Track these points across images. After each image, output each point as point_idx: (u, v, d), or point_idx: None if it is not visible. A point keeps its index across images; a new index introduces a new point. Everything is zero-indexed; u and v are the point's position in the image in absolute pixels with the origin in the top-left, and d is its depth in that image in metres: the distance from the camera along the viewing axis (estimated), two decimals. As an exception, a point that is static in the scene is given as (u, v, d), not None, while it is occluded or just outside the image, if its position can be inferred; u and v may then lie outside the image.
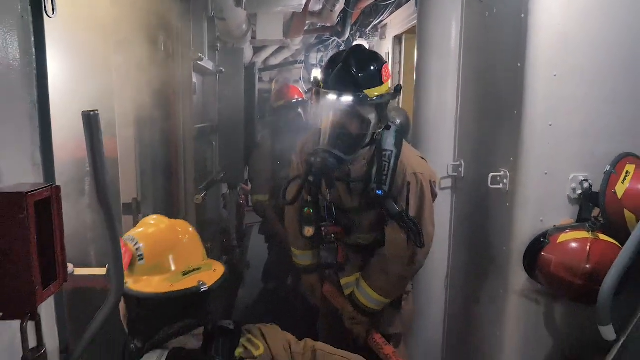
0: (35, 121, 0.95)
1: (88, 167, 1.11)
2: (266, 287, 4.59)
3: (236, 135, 4.09)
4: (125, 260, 1.25)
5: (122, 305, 1.30)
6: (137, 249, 1.28)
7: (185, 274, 1.29)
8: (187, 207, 2.40)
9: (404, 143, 2.15)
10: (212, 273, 1.33)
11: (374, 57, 2.05)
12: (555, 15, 1.77)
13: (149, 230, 1.36)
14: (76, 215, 1.60)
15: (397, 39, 3.85)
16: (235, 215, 4.96)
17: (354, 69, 1.93)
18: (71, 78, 1.41)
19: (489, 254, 2.16)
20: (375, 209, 2.13)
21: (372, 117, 2.00)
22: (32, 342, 0.79)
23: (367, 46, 4.49)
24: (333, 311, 2.43)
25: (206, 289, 1.26)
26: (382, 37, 4.10)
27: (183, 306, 1.28)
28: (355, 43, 3.94)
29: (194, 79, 2.58)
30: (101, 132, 0.90)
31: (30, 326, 0.78)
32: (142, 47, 1.88)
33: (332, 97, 1.94)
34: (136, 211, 2.02)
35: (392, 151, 2.05)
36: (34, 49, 0.94)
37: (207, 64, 2.86)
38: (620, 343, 1.58)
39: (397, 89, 2.06)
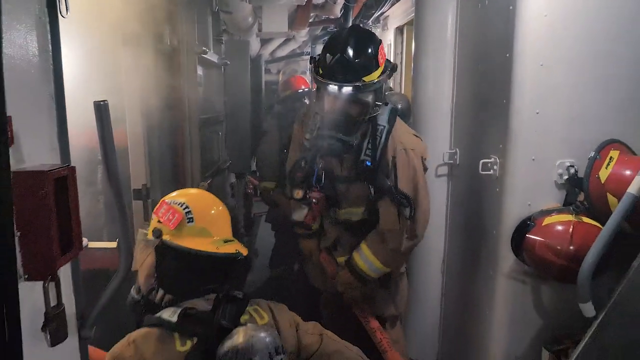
0: (52, 111, 1.06)
1: (99, 156, 1.23)
2: (273, 273, 4.72)
3: (243, 125, 4.21)
4: (174, 221, 1.42)
5: (149, 261, 1.46)
6: (186, 213, 1.44)
7: (225, 242, 1.48)
8: (193, 193, 2.52)
9: (399, 121, 2.24)
10: (241, 247, 1.50)
11: (370, 39, 2.09)
12: (541, 7, 1.84)
13: (196, 197, 1.53)
14: (90, 196, 1.72)
15: (399, 30, 3.92)
16: (242, 204, 5.10)
17: (352, 58, 1.99)
18: (83, 72, 1.52)
19: (480, 238, 2.26)
20: (363, 181, 2.22)
21: (370, 99, 2.09)
22: (53, 302, 0.91)
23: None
24: (334, 294, 2.55)
25: (242, 257, 1.46)
26: (385, 28, 4.17)
27: (217, 269, 1.48)
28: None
29: (199, 72, 2.69)
30: (110, 120, 1.01)
31: (51, 288, 0.90)
32: (149, 42, 1.99)
33: (332, 87, 2.03)
34: (145, 196, 2.15)
35: (384, 126, 2.16)
36: (50, 47, 1.05)
37: (212, 57, 2.96)
38: (599, 319, 1.67)
39: (394, 69, 2.14)
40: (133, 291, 1.59)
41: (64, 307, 0.95)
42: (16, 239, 0.87)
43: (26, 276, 0.88)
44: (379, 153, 2.14)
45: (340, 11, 4.29)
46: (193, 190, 1.60)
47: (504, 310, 2.10)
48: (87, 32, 1.50)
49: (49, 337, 0.91)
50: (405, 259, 2.37)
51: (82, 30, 1.39)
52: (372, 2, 4.09)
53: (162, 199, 1.53)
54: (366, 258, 2.28)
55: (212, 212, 1.52)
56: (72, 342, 1.15)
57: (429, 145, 2.54)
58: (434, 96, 2.65)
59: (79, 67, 1.49)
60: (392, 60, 2.26)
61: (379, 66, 2.05)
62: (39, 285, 0.91)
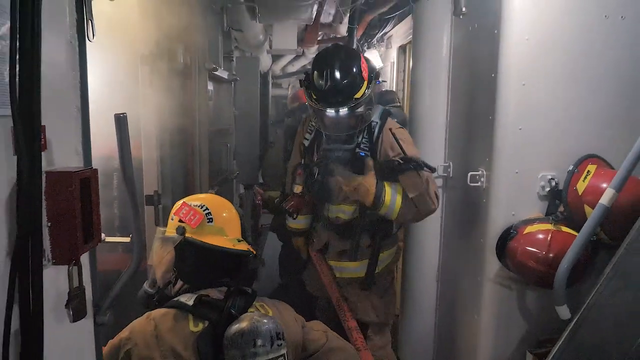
0: (78, 122, 1.23)
1: (115, 164, 1.40)
2: (283, 281, 4.82)
3: (252, 138, 4.39)
4: (195, 221, 1.61)
5: (168, 258, 1.63)
6: (206, 214, 1.63)
7: (239, 240, 1.66)
8: (201, 200, 2.70)
9: (391, 120, 2.44)
10: (250, 246, 1.69)
11: (352, 58, 2.28)
12: (523, 31, 2.00)
13: (213, 200, 1.72)
14: (105, 201, 1.90)
15: (402, 48, 4.09)
16: (250, 214, 5.26)
17: (340, 83, 2.19)
18: (105, 88, 1.71)
19: (470, 246, 2.38)
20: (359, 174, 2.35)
21: (363, 108, 2.30)
22: (75, 284, 1.07)
23: (376, 55, 4.75)
24: (330, 300, 2.69)
25: (253, 255, 1.66)
26: (388, 46, 4.35)
27: (231, 264, 1.66)
28: (353, 46, 4.22)
29: (210, 87, 2.88)
30: (128, 130, 1.18)
31: (74, 272, 1.06)
32: (164, 60, 2.18)
33: (329, 111, 2.24)
34: (157, 202, 2.32)
35: (377, 122, 2.37)
36: (78, 67, 1.23)
37: (222, 73, 3.16)
38: (574, 321, 1.79)
39: (377, 76, 2.35)
40: (146, 285, 1.74)
41: (85, 289, 1.11)
42: (47, 229, 1.03)
43: (54, 261, 1.04)
44: (375, 139, 2.34)
45: (347, 31, 4.50)
46: (208, 195, 1.78)
47: (490, 315, 2.22)
48: (109, 53, 1.69)
49: (71, 313, 1.06)
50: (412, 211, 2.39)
51: (105, 51, 1.58)
52: (376, 22, 4.28)
53: (182, 201, 1.70)
54: (395, 196, 2.32)
55: (227, 214, 1.70)
56: (88, 326, 1.30)
57: (425, 158, 2.68)
58: (430, 111, 2.80)
59: (102, 83, 1.67)
60: (394, 77, 2.47)
61: (364, 80, 2.25)
62: (63, 269, 1.07)
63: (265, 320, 1.41)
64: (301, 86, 2.39)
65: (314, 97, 2.27)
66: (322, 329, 1.73)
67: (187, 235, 1.60)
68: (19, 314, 0.92)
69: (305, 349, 1.65)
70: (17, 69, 0.88)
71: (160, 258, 1.65)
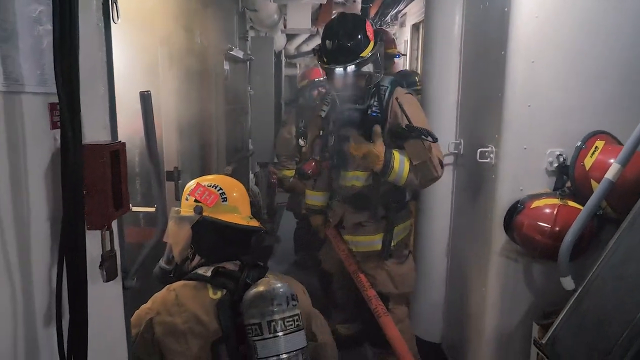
0: (105, 99, 1.32)
1: (138, 141, 1.49)
2: (298, 257, 4.95)
3: (267, 117, 4.47)
4: (211, 200, 1.73)
5: (184, 235, 1.73)
6: (221, 194, 1.74)
7: (250, 218, 1.79)
8: (218, 176, 2.80)
9: (403, 89, 2.55)
10: (260, 224, 1.81)
11: (357, 22, 2.45)
12: (533, 9, 2.02)
13: (225, 181, 1.83)
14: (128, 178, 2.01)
15: (415, 27, 4.09)
16: (266, 191, 5.37)
17: (346, 42, 2.36)
18: (129, 68, 1.80)
19: (478, 221, 2.45)
20: (368, 139, 2.43)
21: (371, 68, 2.45)
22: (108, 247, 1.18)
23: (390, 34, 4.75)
24: (346, 276, 2.80)
25: (264, 230, 1.81)
26: (402, 25, 4.35)
27: (245, 239, 1.79)
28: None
29: (226, 67, 2.96)
30: (152, 107, 1.27)
31: (106, 237, 1.17)
32: (182, 42, 2.25)
33: (337, 70, 2.39)
34: (177, 178, 2.42)
35: (387, 87, 2.50)
36: (104, 47, 1.32)
37: (238, 53, 3.22)
38: (578, 292, 1.85)
39: (381, 38, 2.50)
40: (162, 262, 1.86)
41: (115, 252, 1.22)
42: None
43: (88, 226, 1.14)
44: (384, 104, 2.47)
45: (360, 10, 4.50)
46: (218, 176, 1.89)
47: (497, 288, 2.29)
48: (132, 35, 1.77)
49: (104, 273, 1.17)
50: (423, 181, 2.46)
51: (128, 33, 1.66)
52: (390, 0, 4.28)
53: (196, 182, 1.80)
54: (402, 162, 2.39)
55: (239, 193, 1.82)
56: (117, 289, 1.41)
57: (437, 135, 2.74)
58: (442, 90, 2.84)
59: (124, 63, 1.76)
60: (405, 53, 2.55)
61: (369, 41, 2.39)
62: (96, 235, 1.17)
63: (279, 284, 1.54)
64: (314, 54, 2.55)
65: (325, 59, 2.43)
66: (327, 330, 1.88)
67: (204, 214, 1.71)
68: (67, 272, 1.02)
69: (309, 324, 1.77)
70: (59, 51, 0.96)
71: (176, 236, 1.75)
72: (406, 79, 3.09)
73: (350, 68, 2.37)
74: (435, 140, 2.31)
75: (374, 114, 2.45)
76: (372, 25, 2.48)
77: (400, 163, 2.40)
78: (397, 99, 2.41)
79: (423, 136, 2.29)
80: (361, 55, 2.37)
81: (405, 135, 2.36)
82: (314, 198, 2.93)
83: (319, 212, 2.94)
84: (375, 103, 2.48)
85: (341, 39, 2.37)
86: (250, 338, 1.50)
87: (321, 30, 6.48)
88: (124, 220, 1.40)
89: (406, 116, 2.33)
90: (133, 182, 2.36)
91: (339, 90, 2.49)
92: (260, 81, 4.32)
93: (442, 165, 2.42)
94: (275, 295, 1.49)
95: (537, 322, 2.19)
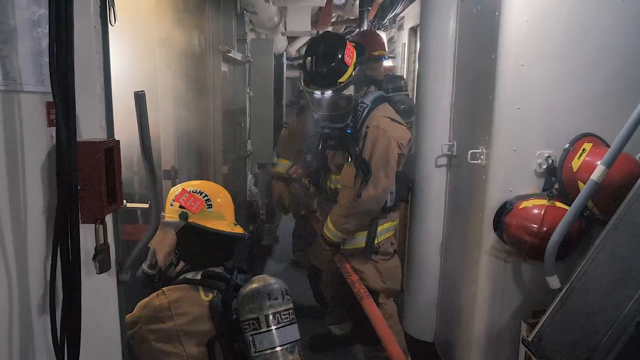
0: (102, 99, 1.37)
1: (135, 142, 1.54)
2: (295, 257, 5.01)
3: (266, 118, 4.52)
4: (197, 207, 1.76)
5: (169, 241, 1.76)
6: (206, 200, 1.77)
7: (235, 224, 1.83)
8: (215, 175, 2.87)
9: (386, 106, 2.61)
10: (243, 230, 1.85)
11: (337, 45, 2.47)
12: (522, 13, 2.06)
13: (210, 187, 1.86)
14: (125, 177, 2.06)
15: (413, 30, 4.13)
16: (265, 193, 5.41)
17: (323, 68, 2.40)
18: (126, 69, 1.85)
19: (469, 221, 2.49)
20: (343, 150, 2.60)
21: (351, 91, 2.50)
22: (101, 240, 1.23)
23: (385, 37, 4.81)
24: (332, 274, 2.86)
25: (248, 237, 1.83)
26: (400, 28, 4.39)
27: (229, 245, 1.83)
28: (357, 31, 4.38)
29: (224, 69, 3.01)
30: (146, 106, 1.32)
31: (99, 231, 1.22)
32: (180, 43, 2.31)
33: (316, 94, 2.48)
34: (174, 176, 2.48)
35: (367, 105, 2.56)
36: (102, 49, 1.37)
37: (236, 55, 3.27)
38: (564, 291, 1.89)
39: (362, 54, 2.56)
40: (145, 266, 1.90)
41: (109, 246, 1.26)
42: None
43: (83, 220, 1.19)
44: (359, 124, 2.54)
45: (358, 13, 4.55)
46: (203, 182, 1.92)
47: (487, 287, 2.33)
48: (130, 37, 1.83)
49: (98, 265, 1.22)
50: (351, 223, 2.63)
51: (126, 35, 1.72)
52: (388, 3, 4.33)
53: (181, 187, 1.83)
54: (327, 225, 2.67)
55: (224, 200, 1.85)
56: (112, 283, 1.46)
57: (431, 137, 2.80)
58: (436, 92, 2.87)
59: (123, 64, 1.81)
60: (394, 55, 2.62)
61: (348, 66, 2.43)
62: (90, 229, 1.22)
63: (273, 280, 1.60)
64: (299, 69, 2.65)
65: (305, 80, 2.50)
66: None
67: (189, 220, 1.75)
68: (61, 262, 1.07)
69: None
70: (55, 52, 1.00)
71: (161, 241, 1.79)
72: (392, 83, 3.12)
73: (328, 93, 2.43)
74: (364, 180, 2.47)
75: (349, 131, 2.53)
76: (355, 47, 2.52)
77: (326, 227, 2.68)
78: (367, 127, 2.50)
79: (360, 168, 2.45)
80: (339, 80, 2.41)
81: (355, 157, 2.50)
82: (281, 166, 3.18)
83: (282, 180, 3.15)
84: (352, 118, 2.55)
85: (318, 64, 2.41)
86: (247, 333, 1.55)
87: (321, 33, 6.57)
88: (124, 217, 1.44)
89: (363, 145, 2.49)
90: (131, 182, 2.42)
91: (317, 109, 2.57)
92: (259, 83, 4.37)
93: (363, 202, 2.54)
94: (272, 290, 1.56)
95: (525, 321, 2.23)
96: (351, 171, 2.51)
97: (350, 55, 2.44)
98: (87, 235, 1.24)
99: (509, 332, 2.30)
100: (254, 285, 1.58)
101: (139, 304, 1.73)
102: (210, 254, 1.79)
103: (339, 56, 2.41)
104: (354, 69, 2.45)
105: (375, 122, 2.51)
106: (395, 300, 3.00)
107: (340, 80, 2.41)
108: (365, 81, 2.60)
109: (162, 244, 1.78)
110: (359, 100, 2.54)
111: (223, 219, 1.80)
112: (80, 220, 1.18)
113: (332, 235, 2.66)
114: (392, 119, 2.57)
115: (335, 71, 2.40)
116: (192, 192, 1.79)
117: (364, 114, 2.53)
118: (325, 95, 2.44)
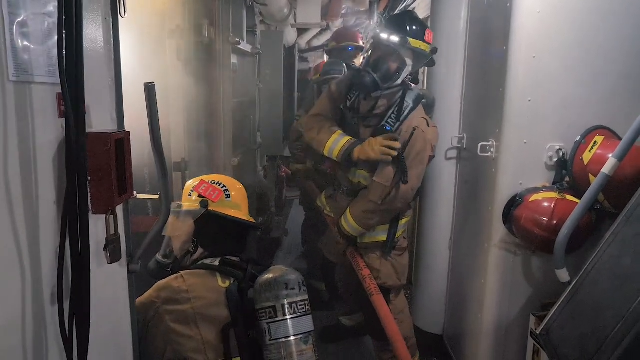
0: (113, 91, 1.38)
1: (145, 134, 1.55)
2: (305, 249, 5.01)
3: (276, 110, 4.52)
4: (216, 196, 1.82)
5: (186, 230, 1.80)
6: (224, 191, 1.84)
7: (250, 215, 1.90)
8: (225, 167, 2.88)
9: (422, 108, 2.56)
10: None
11: (422, 22, 2.47)
12: (534, 4, 2.03)
13: (227, 180, 1.92)
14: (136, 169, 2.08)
15: (424, 20, 4.09)
16: (274, 184, 5.43)
17: (404, 20, 2.36)
18: (136, 60, 1.86)
19: (479, 214, 2.48)
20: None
21: (409, 62, 2.40)
22: (112, 231, 1.24)
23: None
24: (345, 267, 2.85)
25: (263, 227, 1.85)
26: (411, 20, 4.35)
27: (244, 233, 1.89)
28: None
29: (234, 60, 3.01)
30: (156, 97, 1.33)
31: (110, 221, 1.23)
32: (190, 34, 2.31)
33: (383, 35, 2.35)
34: (184, 168, 2.49)
35: (410, 105, 2.49)
36: (112, 41, 1.38)
37: (245, 47, 3.27)
38: (573, 284, 1.88)
39: (434, 51, 2.44)
40: (159, 256, 1.93)
41: (119, 237, 1.28)
42: (87, 182, 1.19)
43: (93, 210, 1.20)
44: (399, 124, 2.46)
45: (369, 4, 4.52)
46: (219, 175, 1.98)
47: (495, 280, 2.32)
48: (140, 28, 1.84)
49: (108, 255, 1.24)
50: (375, 219, 2.59)
51: (136, 26, 1.73)
52: (399, -6, 4.28)
53: (200, 179, 1.89)
54: (347, 217, 2.61)
55: (240, 192, 1.93)
56: (122, 273, 1.48)
57: (441, 130, 2.78)
58: (447, 84, 2.86)
59: (133, 56, 1.82)
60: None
61: (424, 40, 2.36)
62: (101, 220, 1.24)
63: (290, 271, 1.64)
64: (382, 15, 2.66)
65: (378, 30, 2.42)
66: None
67: (210, 208, 1.79)
68: (71, 252, 1.09)
69: None
70: (65, 44, 1.01)
71: (178, 230, 1.82)
72: (411, 75, 3.09)
73: (394, 40, 2.30)
74: (404, 181, 2.41)
75: (388, 128, 2.45)
76: (432, 39, 2.46)
77: (345, 219, 2.64)
78: (414, 128, 2.43)
79: (402, 169, 2.40)
80: (409, 39, 2.31)
81: (398, 157, 2.42)
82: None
83: (309, 177, 3.21)
84: (392, 115, 2.47)
85: (402, 16, 2.42)
86: (262, 321, 1.58)
87: (332, 25, 6.53)
88: (136, 209, 1.46)
89: (406, 146, 2.42)
90: (142, 174, 2.44)
91: (369, 65, 2.43)
92: (269, 75, 4.37)
93: (393, 200, 2.49)
94: (289, 280, 1.59)
95: (534, 314, 2.22)
96: (391, 170, 2.45)
97: (429, 39, 2.40)
98: (98, 226, 1.26)
99: (518, 325, 2.30)
100: (272, 275, 1.61)
101: (156, 284, 1.76)
102: (226, 241, 1.84)
103: (421, 27, 2.37)
104: (427, 51, 2.38)
105: (416, 122, 2.46)
106: (404, 294, 2.99)
107: (412, 41, 2.31)
108: (415, 77, 2.54)
109: (180, 233, 1.82)
110: (405, 99, 2.47)
111: (240, 209, 1.87)
112: (91, 211, 1.20)
113: (351, 230, 2.62)
114: (427, 120, 2.54)
115: (412, 30, 2.33)
116: (212, 183, 1.86)
117: (407, 112, 2.46)
118: (389, 39, 2.30)
